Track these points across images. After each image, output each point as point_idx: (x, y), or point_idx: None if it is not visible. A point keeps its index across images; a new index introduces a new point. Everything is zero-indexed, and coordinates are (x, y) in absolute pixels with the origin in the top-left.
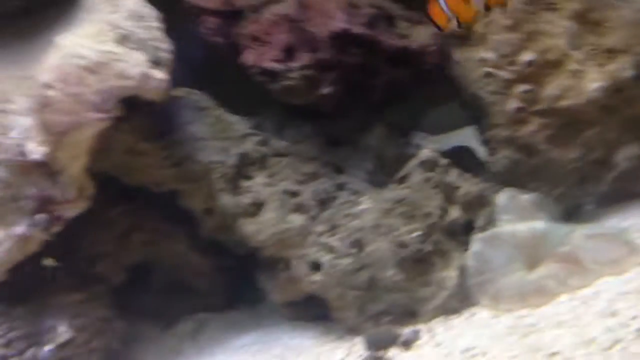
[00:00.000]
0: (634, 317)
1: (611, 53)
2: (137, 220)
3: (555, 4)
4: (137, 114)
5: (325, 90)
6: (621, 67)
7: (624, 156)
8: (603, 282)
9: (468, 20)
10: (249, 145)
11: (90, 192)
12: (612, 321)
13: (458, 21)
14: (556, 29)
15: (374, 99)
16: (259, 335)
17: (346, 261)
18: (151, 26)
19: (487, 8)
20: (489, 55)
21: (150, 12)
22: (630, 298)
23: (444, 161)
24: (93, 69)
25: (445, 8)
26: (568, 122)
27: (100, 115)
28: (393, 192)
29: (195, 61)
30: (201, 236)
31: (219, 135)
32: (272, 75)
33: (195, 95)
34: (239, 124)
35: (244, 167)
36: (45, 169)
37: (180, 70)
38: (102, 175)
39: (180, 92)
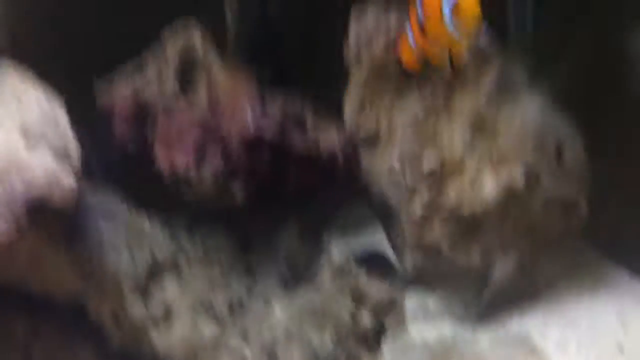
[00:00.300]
0: None
1: (503, 159)
2: (40, 332)
3: (451, 112)
4: (44, 220)
5: (237, 194)
6: (513, 173)
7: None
8: None
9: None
10: (161, 251)
11: None
12: None
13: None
14: (454, 136)
15: (285, 203)
16: None
17: None
18: (59, 125)
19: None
20: (394, 157)
21: (59, 111)
22: None
23: (354, 266)
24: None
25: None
26: (468, 228)
27: (4, 225)
28: (304, 297)
29: (109, 164)
30: (110, 349)
31: (130, 241)
32: (184, 179)
33: (106, 199)
34: (150, 230)
35: (155, 274)
36: None
37: (92, 173)
38: (2, 284)
39: (91, 195)
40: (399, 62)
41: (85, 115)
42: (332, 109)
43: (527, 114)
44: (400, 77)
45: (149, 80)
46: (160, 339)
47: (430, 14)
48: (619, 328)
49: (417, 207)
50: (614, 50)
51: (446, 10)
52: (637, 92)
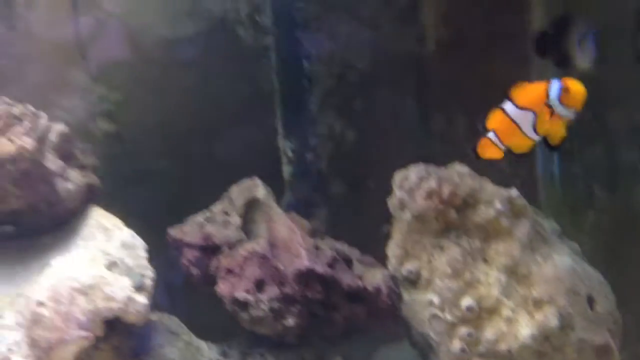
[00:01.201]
0: None
1: (538, 304)
2: None
3: (488, 257)
4: (116, 334)
5: (290, 321)
6: (547, 317)
7: None
8: None
9: (523, 151)
10: None
11: None
12: None
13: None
14: (490, 279)
15: (332, 332)
16: None
17: None
18: (138, 255)
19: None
20: (434, 298)
21: (139, 243)
22: None
23: None
24: (84, 290)
25: (497, 141)
26: None
27: (85, 334)
28: None
29: (172, 287)
30: None
31: (187, 358)
32: (243, 305)
33: (169, 320)
34: (207, 350)
35: None
36: None
37: (157, 295)
38: None
39: (155, 316)
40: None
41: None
42: (377, 251)
43: (559, 261)
44: (440, 223)
45: (216, 219)
46: None
47: (535, 103)
48: None
49: (456, 343)
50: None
51: (553, 95)
52: None
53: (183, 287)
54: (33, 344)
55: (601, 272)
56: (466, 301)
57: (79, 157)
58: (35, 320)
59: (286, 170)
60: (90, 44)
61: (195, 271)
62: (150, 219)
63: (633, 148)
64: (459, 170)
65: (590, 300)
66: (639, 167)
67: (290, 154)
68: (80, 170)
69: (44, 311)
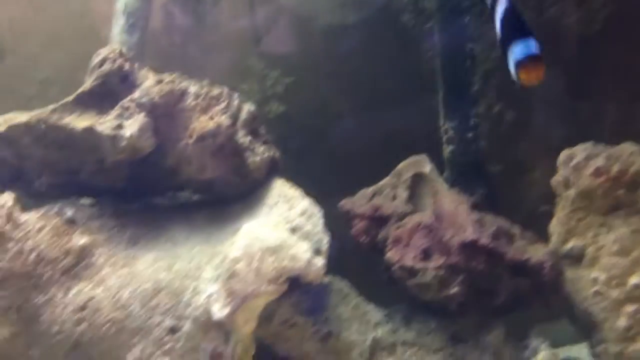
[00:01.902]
0: None
1: None
2: None
3: None
4: (296, 291)
5: (454, 290)
6: None
7: None
8: None
9: None
10: (381, 332)
11: (253, 353)
12: None
13: None
14: None
15: (494, 304)
16: None
17: None
18: (316, 222)
19: None
20: (600, 275)
21: (317, 211)
22: None
23: None
24: (272, 250)
25: None
26: None
27: (274, 287)
28: None
29: (344, 253)
30: None
31: (357, 319)
32: (411, 272)
33: (340, 283)
34: (374, 312)
35: (376, 351)
36: (223, 328)
37: (331, 259)
38: (258, 341)
39: (329, 278)
40: None
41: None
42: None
43: None
44: (607, 201)
45: (386, 193)
46: None
47: None
48: None
49: (622, 321)
50: None
51: None
52: None
53: (352, 254)
54: (229, 294)
55: None
56: (634, 279)
57: (263, 133)
58: (232, 275)
59: (446, 149)
60: (265, 34)
61: (364, 240)
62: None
63: None
64: (629, 149)
65: None
66: None
67: (451, 133)
68: (265, 145)
69: (239, 267)
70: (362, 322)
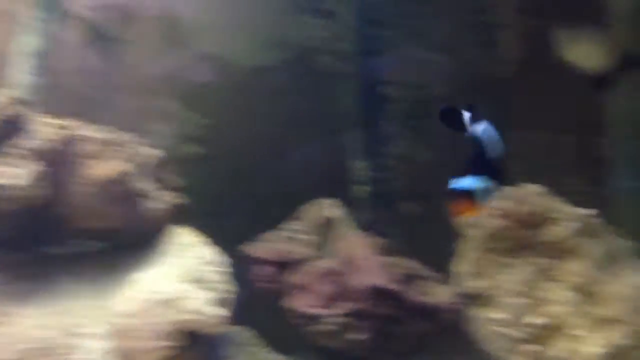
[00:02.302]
0: None
1: (608, 323)
2: None
3: (558, 276)
4: (194, 345)
5: (360, 336)
6: (619, 336)
7: None
8: None
9: None
10: None
11: None
12: None
13: None
14: (559, 298)
15: (400, 346)
16: None
17: None
18: (219, 271)
19: None
20: (501, 315)
21: (220, 259)
22: None
23: None
24: (168, 303)
25: None
26: None
27: (170, 342)
28: None
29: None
30: None
31: None
32: (315, 319)
33: (241, 332)
34: None
35: None
36: None
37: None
38: None
39: (233, 328)
40: None
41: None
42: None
43: (631, 280)
44: (511, 242)
45: (293, 237)
46: None
47: None
48: None
49: (521, 358)
50: None
51: None
52: None
53: (256, 301)
54: (120, 352)
55: None
56: (533, 319)
57: (169, 180)
58: (122, 331)
59: (360, 189)
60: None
61: (267, 286)
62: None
63: None
64: (535, 190)
65: None
66: None
67: (365, 173)
68: (169, 192)
69: (132, 322)
70: None
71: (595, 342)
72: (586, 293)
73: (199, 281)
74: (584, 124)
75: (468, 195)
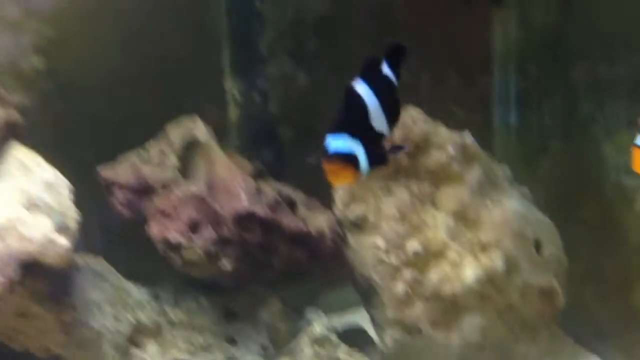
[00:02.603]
0: None
1: (484, 247)
2: None
3: (437, 202)
4: (33, 277)
5: (225, 265)
6: (493, 260)
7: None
8: None
9: None
10: (144, 315)
11: None
12: None
13: None
14: (437, 223)
15: (271, 277)
16: None
17: None
18: (61, 195)
19: None
20: (380, 242)
21: (63, 182)
22: None
23: (334, 337)
24: (4, 231)
25: None
26: (448, 308)
27: (7, 275)
28: None
29: (101, 229)
30: None
31: (114, 302)
32: (176, 247)
33: (96, 263)
34: (136, 292)
35: (137, 336)
36: None
37: (83, 237)
38: None
39: (81, 258)
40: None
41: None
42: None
43: (508, 206)
44: (390, 166)
45: (151, 159)
46: None
47: None
48: None
49: (399, 287)
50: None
51: None
52: (607, 193)
53: (115, 229)
54: None
55: (551, 219)
56: (412, 245)
57: (5, 95)
58: None
59: (233, 112)
60: None
61: (127, 213)
62: (83, 158)
63: (590, 100)
64: (412, 115)
65: (538, 245)
66: (595, 118)
67: (238, 96)
68: (5, 107)
69: None
70: (120, 305)
71: (471, 267)
72: (464, 219)
73: (37, 206)
74: (470, 56)
75: (346, 159)
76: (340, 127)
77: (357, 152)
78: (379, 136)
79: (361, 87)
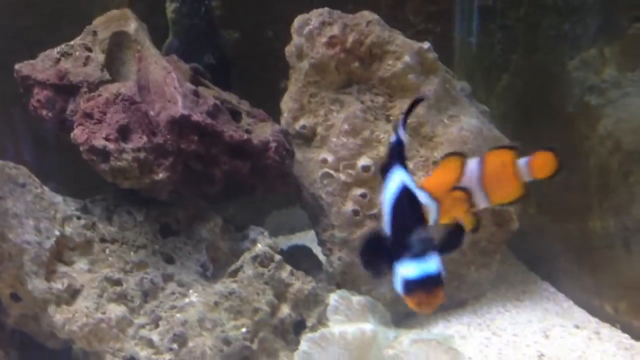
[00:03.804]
0: None
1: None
2: None
3: (391, 115)
4: None
5: (160, 175)
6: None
7: None
8: None
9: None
10: (71, 229)
11: None
12: None
13: None
14: (391, 139)
15: (211, 190)
16: None
17: (166, 357)
18: None
19: None
20: (329, 157)
21: None
22: None
23: (277, 258)
24: None
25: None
26: None
27: None
28: (223, 285)
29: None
30: (5, 326)
31: (37, 214)
32: (103, 154)
33: (15, 170)
34: (62, 205)
35: (64, 251)
36: None
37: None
38: None
39: None
40: None
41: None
42: (274, 107)
43: (466, 123)
44: (341, 76)
45: (76, 55)
46: (61, 317)
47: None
48: (541, 339)
49: (348, 205)
50: (544, 66)
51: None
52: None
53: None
54: None
55: (509, 136)
56: (363, 160)
57: None
58: None
59: (169, 7)
60: None
61: (47, 114)
62: None
63: (557, 13)
64: (367, 18)
65: None
66: (561, 33)
67: None
68: None
69: None
70: (45, 218)
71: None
72: (419, 135)
73: None
74: None
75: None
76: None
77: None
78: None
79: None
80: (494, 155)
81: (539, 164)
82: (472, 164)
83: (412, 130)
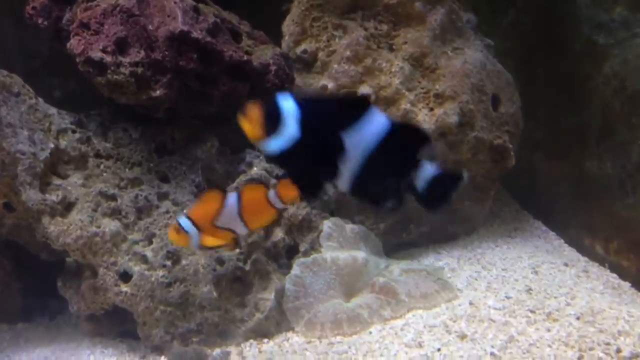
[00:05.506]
0: (438, 349)
1: (440, 98)
2: None
3: (394, 44)
4: None
5: (157, 92)
6: (447, 113)
7: None
8: (413, 314)
9: None
10: (66, 142)
11: None
12: (417, 352)
13: None
14: (393, 68)
15: (209, 110)
16: (53, 351)
17: (159, 273)
18: None
19: None
20: (329, 83)
21: None
22: (436, 331)
23: (273, 182)
24: None
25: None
26: None
27: None
28: None
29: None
30: None
31: (32, 125)
32: (100, 67)
33: (7, 78)
34: (57, 117)
35: (58, 164)
36: None
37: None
38: None
39: None
40: None
41: None
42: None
43: (470, 56)
44: (346, 1)
45: None
46: (55, 229)
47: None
48: (530, 274)
49: None
50: (559, 4)
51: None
52: (576, 51)
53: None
54: None
55: (513, 76)
56: (363, 89)
57: None
58: None
59: None
60: None
61: (42, 22)
62: None
63: None
64: None
65: (495, 100)
66: None
67: None
68: None
69: None
70: (39, 129)
71: (424, 119)
72: (422, 66)
73: None
74: None
75: None
76: None
77: None
78: None
79: None
80: (248, 190)
81: (284, 192)
82: (231, 197)
83: (415, 60)
